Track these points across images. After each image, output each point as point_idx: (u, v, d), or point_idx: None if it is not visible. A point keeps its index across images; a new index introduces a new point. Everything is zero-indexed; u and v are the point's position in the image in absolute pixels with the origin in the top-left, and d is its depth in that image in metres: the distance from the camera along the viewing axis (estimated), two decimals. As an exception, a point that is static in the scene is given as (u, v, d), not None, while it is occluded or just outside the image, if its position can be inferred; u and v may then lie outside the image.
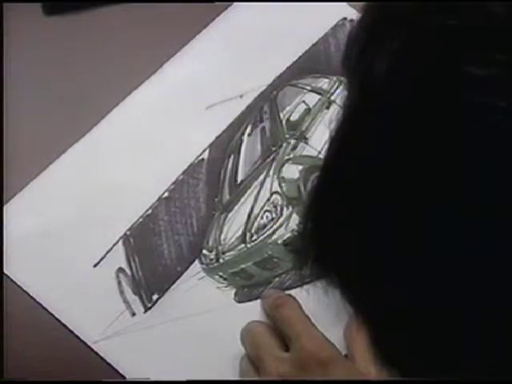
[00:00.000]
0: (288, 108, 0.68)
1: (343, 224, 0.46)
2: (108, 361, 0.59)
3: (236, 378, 0.59)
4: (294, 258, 0.62)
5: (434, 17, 0.39)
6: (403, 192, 0.41)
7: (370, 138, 0.42)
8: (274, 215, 0.64)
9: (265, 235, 0.63)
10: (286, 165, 0.66)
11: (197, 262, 0.63)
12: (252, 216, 0.64)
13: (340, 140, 0.45)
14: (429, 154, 0.39)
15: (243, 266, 0.63)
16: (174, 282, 0.62)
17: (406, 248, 0.43)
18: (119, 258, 0.62)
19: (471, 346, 0.43)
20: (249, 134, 0.67)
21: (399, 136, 0.40)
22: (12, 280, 0.61)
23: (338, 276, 0.50)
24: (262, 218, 0.64)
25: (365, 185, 0.43)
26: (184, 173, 0.65)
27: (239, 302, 0.62)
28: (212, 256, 0.63)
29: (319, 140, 0.66)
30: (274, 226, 0.63)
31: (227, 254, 0.63)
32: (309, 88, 0.69)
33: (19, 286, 0.61)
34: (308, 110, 0.68)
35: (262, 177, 0.65)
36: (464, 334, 0.43)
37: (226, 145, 0.67)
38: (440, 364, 0.45)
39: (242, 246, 0.63)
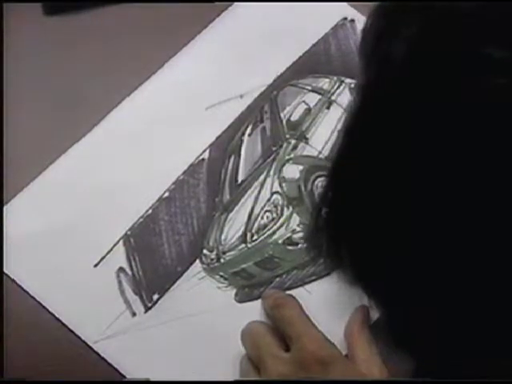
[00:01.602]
0: (288, 108, 0.68)
1: (357, 216, 0.46)
2: (108, 361, 0.59)
3: (236, 378, 0.59)
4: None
5: (450, 1, 0.39)
6: (420, 178, 0.41)
7: (386, 126, 0.41)
8: (274, 215, 0.64)
9: (265, 235, 0.63)
10: (287, 165, 0.66)
11: (197, 261, 0.63)
12: (252, 216, 0.64)
13: (353, 130, 0.45)
14: (448, 139, 0.39)
15: (244, 265, 0.63)
16: (174, 282, 0.62)
17: (417, 240, 0.42)
18: (120, 257, 0.62)
19: (484, 336, 0.43)
20: (249, 134, 0.67)
21: (417, 122, 0.40)
22: (12, 280, 0.61)
23: (352, 266, 0.49)
24: (262, 218, 0.64)
25: (379, 174, 0.42)
26: (184, 173, 0.65)
27: (240, 301, 0.62)
28: (213, 256, 0.63)
29: (320, 140, 0.66)
30: (275, 226, 0.63)
31: (228, 254, 0.63)
32: (309, 88, 0.69)
33: (19, 286, 0.61)
34: (308, 110, 0.68)
35: (262, 177, 0.65)
36: (478, 325, 0.43)
37: (226, 145, 0.67)
38: (453, 351, 0.45)
39: (243, 245, 0.63)
